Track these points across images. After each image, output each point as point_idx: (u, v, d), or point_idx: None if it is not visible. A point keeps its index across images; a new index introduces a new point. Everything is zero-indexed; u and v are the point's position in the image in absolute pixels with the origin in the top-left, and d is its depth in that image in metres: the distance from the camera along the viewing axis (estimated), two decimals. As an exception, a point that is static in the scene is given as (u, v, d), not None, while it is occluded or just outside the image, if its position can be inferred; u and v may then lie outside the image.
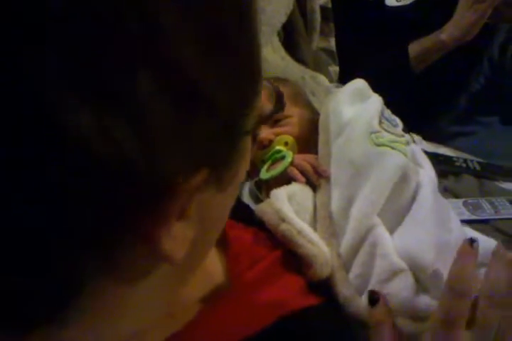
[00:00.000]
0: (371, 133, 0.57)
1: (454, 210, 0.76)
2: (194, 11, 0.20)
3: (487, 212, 0.77)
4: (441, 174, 0.88)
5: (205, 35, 0.20)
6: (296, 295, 0.40)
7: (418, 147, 0.67)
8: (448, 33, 1.03)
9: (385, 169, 0.53)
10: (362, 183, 0.52)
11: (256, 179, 0.63)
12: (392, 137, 0.57)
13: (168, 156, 0.20)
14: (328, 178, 0.55)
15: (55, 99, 0.17)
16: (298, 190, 0.55)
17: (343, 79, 1.07)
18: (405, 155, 0.56)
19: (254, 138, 0.61)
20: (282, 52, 0.65)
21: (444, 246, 0.49)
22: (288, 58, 0.66)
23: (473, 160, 0.91)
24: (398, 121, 0.66)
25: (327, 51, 0.99)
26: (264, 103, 0.59)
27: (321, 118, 0.62)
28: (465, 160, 0.90)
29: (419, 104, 1.18)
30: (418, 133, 1.14)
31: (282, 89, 0.70)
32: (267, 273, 0.40)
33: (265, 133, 0.65)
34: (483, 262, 0.52)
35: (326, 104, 0.63)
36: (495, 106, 1.16)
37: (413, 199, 0.53)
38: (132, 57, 0.18)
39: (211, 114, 0.22)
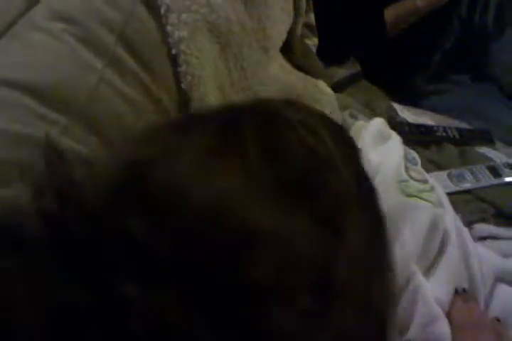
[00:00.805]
0: (400, 181, 0.61)
1: (440, 183, 0.83)
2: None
3: (469, 182, 0.84)
4: (423, 145, 0.94)
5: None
6: None
7: (439, 187, 0.70)
8: None
9: (417, 221, 0.57)
10: (397, 234, 0.57)
11: None
12: (420, 186, 0.62)
13: None
14: None
15: None
16: None
17: (322, 48, 1.08)
18: (433, 204, 0.61)
19: None
20: (280, 59, 0.66)
21: (471, 289, 0.57)
22: (287, 65, 0.67)
23: (452, 128, 0.97)
24: (417, 157, 0.69)
25: (307, 25, 0.99)
26: None
27: None
28: (444, 129, 0.95)
29: (394, 65, 1.21)
30: (395, 93, 1.19)
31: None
32: None
33: None
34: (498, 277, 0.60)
35: None
36: (466, 64, 1.20)
37: (442, 246, 0.58)
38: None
39: None
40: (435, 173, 0.85)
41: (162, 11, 0.44)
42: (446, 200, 0.67)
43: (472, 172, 0.86)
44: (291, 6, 0.64)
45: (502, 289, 0.60)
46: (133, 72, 0.43)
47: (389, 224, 0.58)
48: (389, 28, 1.11)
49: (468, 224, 0.78)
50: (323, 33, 1.06)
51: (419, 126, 0.95)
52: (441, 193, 0.67)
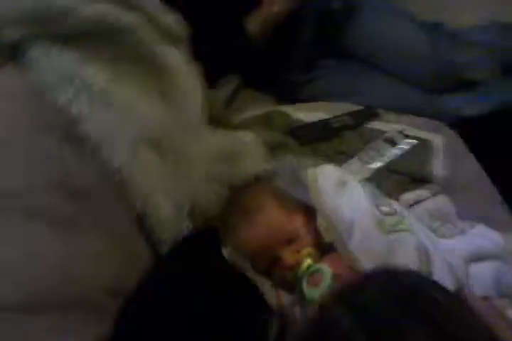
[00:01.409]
0: (377, 223, 0.67)
1: (356, 170, 0.93)
2: None
3: (378, 160, 0.95)
4: (326, 139, 1.02)
5: None
6: None
7: (405, 210, 0.76)
8: (279, 4, 1.11)
9: (408, 253, 0.64)
10: None
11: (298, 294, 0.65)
12: (393, 220, 0.68)
13: None
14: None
15: None
16: None
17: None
18: (409, 231, 0.68)
19: (276, 261, 0.65)
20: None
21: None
22: (210, 128, 0.71)
23: (343, 115, 1.06)
24: (375, 189, 0.75)
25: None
26: None
27: (321, 222, 0.69)
28: (338, 118, 1.04)
29: (267, 66, 1.27)
30: (277, 93, 1.26)
31: (266, 197, 0.71)
32: None
33: (288, 254, 0.68)
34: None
35: (317, 203, 0.70)
36: (330, 49, 1.30)
37: (427, 261, 0.65)
38: None
39: None
40: (348, 162, 0.95)
41: (93, 141, 0.46)
42: (414, 220, 0.73)
43: (376, 150, 0.98)
44: (200, 74, 0.67)
45: (474, 269, 0.68)
46: (87, 226, 0.44)
47: (386, 263, 0.63)
48: (256, 37, 1.15)
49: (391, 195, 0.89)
50: (199, 57, 1.08)
51: (315, 124, 1.03)
52: (409, 216, 0.74)
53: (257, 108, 1.14)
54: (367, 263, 0.64)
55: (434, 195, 0.92)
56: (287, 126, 1.01)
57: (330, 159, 0.95)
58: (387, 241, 0.66)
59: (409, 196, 0.89)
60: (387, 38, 1.26)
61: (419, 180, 0.93)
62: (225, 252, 0.68)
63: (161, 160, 0.53)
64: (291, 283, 0.67)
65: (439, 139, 1.03)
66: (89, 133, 0.47)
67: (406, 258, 0.65)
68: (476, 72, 1.19)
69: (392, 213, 0.71)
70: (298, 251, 0.68)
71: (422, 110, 1.14)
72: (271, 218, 0.70)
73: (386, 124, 1.06)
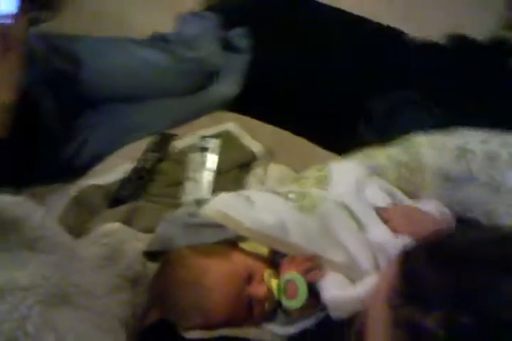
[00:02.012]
0: (298, 209, 0.69)
1: (201, 192, 0.96)
2: None
3: (207, 171, 0.99)
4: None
5: None
6: None
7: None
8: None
9: (339, 219, 0.69)
10: (341, 238, 0.68)
11: (281, 312, 0.68)
12: (307, 199, 0.71)
13: None
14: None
15: None
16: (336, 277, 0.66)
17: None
18: (323, 198, 0.71)
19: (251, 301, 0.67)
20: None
21: None
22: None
23: (144, 153, 1.06)
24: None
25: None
26: None
27: (248, 245, 0.70)
28: (145, 157, 1.04)
29: (30, 156, 1.17)
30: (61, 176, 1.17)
31: (193, 260, 0.67)
32: None
33: (255, 288, 0.68)
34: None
35: (241, 230, 0.68)
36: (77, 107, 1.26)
37: None
38: None
39: None
40: (184, 191, 0.97)
41: None
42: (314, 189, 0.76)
43: (198, 165, 1.01)
44: None
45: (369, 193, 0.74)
46: None
47: (328, 235, 0.66)
48: None
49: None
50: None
51: (129, 178, 1.00)
52: (310, 187, 0.77)
53: (59, 198, 1.00)
54: (312, 248, 0.67)
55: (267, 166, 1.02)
56: (105, 199, 0.96)
57: (168, 196, 0.96)
58: (318, 219, 0.69)
59: (253, 179, 0.97)
60: (124, 67, 1.27)
61: (249, 163, 1.01)
62: (192, 335, 0.66)
63: (72, 304, 0.50)
64: (273, 311, 0.69)
65: (232, 124, 1.11)
66: None
67: (341, 224, 0.69)
68: (212, 61, 1.29)
69: (301, 195, 0.73)
70: (261, 280, 0.69)
71: (197, 110, 1.20)
72: (217, 273, 0.68)
73: (186, 139, 1.10)
